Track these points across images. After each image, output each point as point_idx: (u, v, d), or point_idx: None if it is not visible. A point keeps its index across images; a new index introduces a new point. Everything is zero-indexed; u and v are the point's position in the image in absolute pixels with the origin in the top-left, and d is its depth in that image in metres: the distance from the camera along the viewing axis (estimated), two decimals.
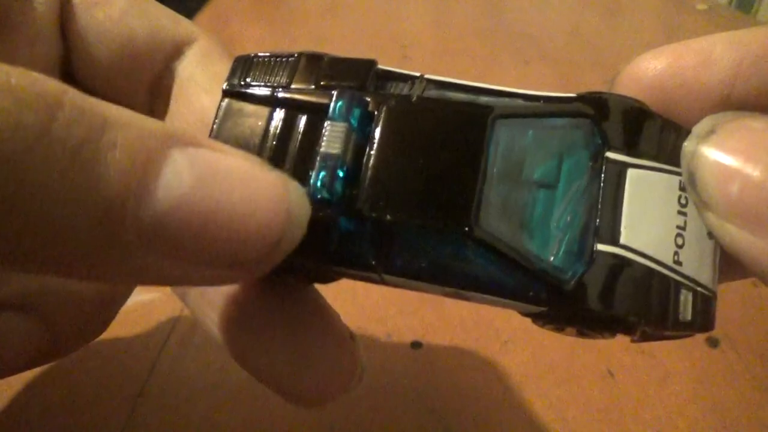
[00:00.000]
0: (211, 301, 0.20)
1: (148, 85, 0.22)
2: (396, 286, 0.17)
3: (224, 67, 0.19)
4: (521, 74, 0.66)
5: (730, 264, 0.15)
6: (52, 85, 0.11)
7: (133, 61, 0.22)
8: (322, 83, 0.17)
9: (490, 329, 0.34)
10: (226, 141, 0.17)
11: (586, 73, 0.66)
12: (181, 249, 0.12)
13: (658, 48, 0.16)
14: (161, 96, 0.22)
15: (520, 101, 0.17)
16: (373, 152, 0.16)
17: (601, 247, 0.15)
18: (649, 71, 0.16)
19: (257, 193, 0.12)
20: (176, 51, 0.22)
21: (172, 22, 0.22)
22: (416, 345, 0.34)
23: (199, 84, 0.21)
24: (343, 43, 0.73)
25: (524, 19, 0.82)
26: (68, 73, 0.22)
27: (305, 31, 0.76)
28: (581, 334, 0.17)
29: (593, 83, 0.63)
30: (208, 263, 0.12)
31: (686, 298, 0.15)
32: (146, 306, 0.34)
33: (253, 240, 0.12)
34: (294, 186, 0.14)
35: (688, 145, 0.15)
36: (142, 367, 0.32)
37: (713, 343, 0.34)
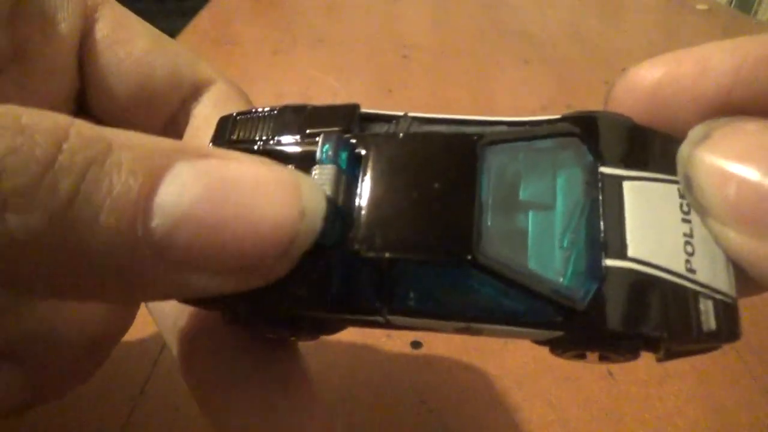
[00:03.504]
0: (190, 353, 0.19)
1: (163, 124, 0.23)
2: (403, 327, 0.16)
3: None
4: (521, 74, 0.66)
5: (744, 277, 0.15)
6: (60, 118, 0.11)
7: (150, 100, 0.22)
8: (307, 132, 0.17)
9: None
10: None
11: (586, 73, 0.66)
12: (197, 259, 0.12)
13: (654, 57, 0.16)
14: (175, 135, 0.22)
15: (504, 128, 0.16)
16: (364, 192, 0.15)
17: (610, 262, 0.14)
18: (646, 81, 0.16)
19: (268, 196, 0.12)
20: (194, 92, 0.22)
21: (191, 64, 0.22)
22: (416, 345, 0.34)
23: (213, 126, 0.21)
24: (343, 43, 0.73)
25: (524, 19, 0.82)
26: (83, 107, 0.22)
27: (305, 31, 0.76)
28: (604, 358, 0.16)
29: (593, 83, 0.63)
30: (227, 271, 0.12)
31: (707, 307, 0.14)
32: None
33: (268, 243, 0.12)
34: (306, 181, 0.14)
35: (683, 150, 0.15)
36: (142, 367, 0.32)
37: None
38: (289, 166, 0.14)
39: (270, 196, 0.12)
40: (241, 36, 0.75)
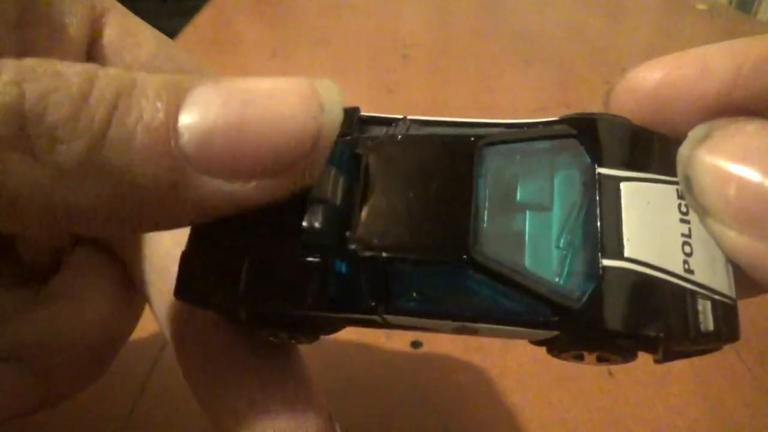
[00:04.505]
0: (190, 354, 0.19)
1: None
2: (401, 326, 0.16)
3: None
4: (521, 74, 0.66)
5: (745, 279, 0.15)
6: (89, 65, 0.13)
7: None
8: None
9: None
10: None
11: (586, 73, 0.66)
12: (230, 165, 0.13)
13: (654, 59, 0.16)
14: None
15: (502, 130, 0.16)
16: (362, 192, 0.15)
17: (607, 262, 0.14)
18: (646, 82, 0.16)
19: (286, 97, 0.13)
20: None
21: (197, 70, 0.23)
22: (416, 344, 0.34)
23: None
24: (343, 43, 0.73)
25: (524, 19, 0.82)
26: None
27: (305, 31, 0.76)
28: (602, 360, 0.16)
29: (593, 83, 0.63)
30: (261, 172, 0.13)
31: (705, 307, 0.14)
32: (146, 306, 0.34)
33: (295, 139, 0.13)
34: (320, 80, 0.14)
35: (683, 150, 0.15)
36: (142, 367, 0.32)
37: None
38: (302, 78, 0.14)
39: (288, 97, 0.13)
40: (241, 36, 0.75)
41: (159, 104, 0.13)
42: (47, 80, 0.12)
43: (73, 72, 0.13)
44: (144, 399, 0.30)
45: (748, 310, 0.15)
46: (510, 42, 0.74)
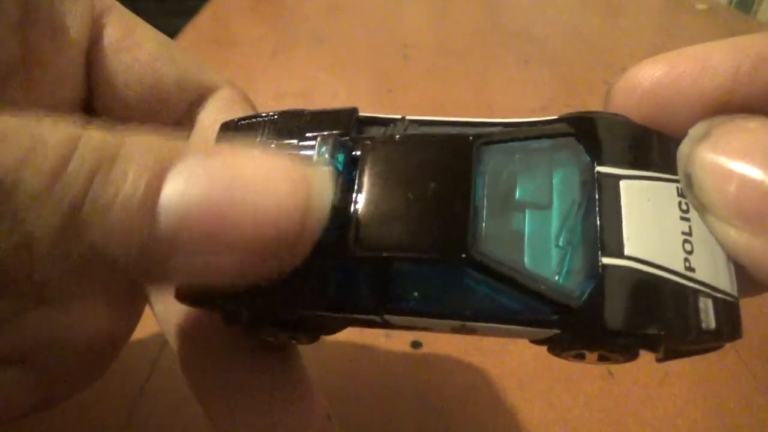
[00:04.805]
0: (191, 355, 0.19)
1: (169, 128, 0.23)
2: (400, 326, 0.16)
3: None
4: (521, 74, 0.66)
5: (746, 277, 0.15)
6: (71, 129, 0.12)
7: (156, 105, 0.22)
8: (306, 135, 0.17)
9: None
10: None
11: (586, 72, 0.66)
12: (208, 248, 0.12)
13: (655, 57, 0.16)
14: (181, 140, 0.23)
15: (501, 129, 0.16)
16: (360, 192, 0.15)
17: (606, 260, 0.14)
18: (646, 81, 0.16)
19: (275, 186, 0.13)
20: (200, 98, 0.23)
21: (197, 70, 0.23)
22: (416, 345, 0.34)
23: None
24: (343, 43, 0.73)
25: (524, 19, 0.82)
26: (90, 112, 0.22)
27: (305, 31, 0.76)
28: (603, 359, 0.16)
29: (593, 83, 0.63)
30: (239, 257, 0.13)
31: (706, 305, 0.14)
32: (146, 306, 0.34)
33: (276, 232, 0.13)
34: (316, 171, 0.14)
35: (683, 147, 0.15)
36: (142, 367, 0.32)
37: None
38: (298, 162, 0.14)
39: (277, 185, 0.13)
40: (241, 36, 0.75)
41: (139, 182, 0.12)
42: (22, 152, 0.12)
43: (55, 140, 0.12)
44: (143, 399, 0.30)
45: (749, 309, 0.15)
46: (510, 42, 0.74)
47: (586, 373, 0.32)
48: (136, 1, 0.29)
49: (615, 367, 0.32)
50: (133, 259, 0.12)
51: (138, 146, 0.13)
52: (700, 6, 0.85)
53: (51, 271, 0.12)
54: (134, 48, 0.22)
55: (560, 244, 0.15)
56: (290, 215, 0.13)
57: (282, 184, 0.13)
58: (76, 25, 0.20)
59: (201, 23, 0.77)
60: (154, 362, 0.32)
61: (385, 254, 0.14)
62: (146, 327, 0.24)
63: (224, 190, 0.12)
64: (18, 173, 0.12)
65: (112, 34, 0.21)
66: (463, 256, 0.14)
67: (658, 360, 0.16)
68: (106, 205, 0.12)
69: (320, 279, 0.15)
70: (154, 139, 0.13)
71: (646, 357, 0.16)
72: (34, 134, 0.12)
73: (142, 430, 0.29)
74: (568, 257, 0.15)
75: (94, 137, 0.12)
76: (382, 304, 0.15)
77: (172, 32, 0.68)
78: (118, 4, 0.22)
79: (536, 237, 0.15)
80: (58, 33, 0.20)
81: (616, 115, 0.16)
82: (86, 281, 0.13)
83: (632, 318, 0.14)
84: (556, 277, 0.14)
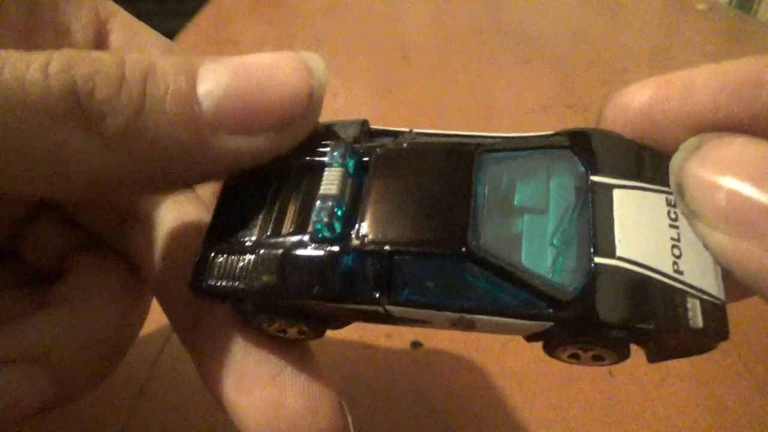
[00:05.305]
0: (205, 348, 0.20)
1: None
2: (402, 318, 0.17)
3: None
4: (521, 74, 0.66)
5: (733, 283, 0.15)
6: (116, 53, 0.16)
7: None
8: (321, 143, 0.18)
9: None
10: (231, 211, 0.18)
11: (586, 72, 0.66)
12: (243, 122, 0.16)
13: (642, 81, 0.17)
14: None
15: (501, 140, 0.18)
16: (368, 192, 0.17)
17: (599, 260, 0.15)
18: (635, 102, 0.17)
19: (280, 67, 0.17)
20: None
21: None
22: (416, 345, 0.34)
23: None
24: (343, 43, 0.73)
25: (524, 19, 0.82)
26: None
27: (305, 31, 0.76)
28: (597, 359, 0.17)
29: (593, 83, 0.63)
30: (267, 127, 0.16)
31: (694, 305, 0.15)
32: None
33: (291, 98, 0.16)
34: (307, 54, 0.17)
35: (675, 159, 0.16)
36: (142, 368, 0.32)
37: None
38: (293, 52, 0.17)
39: (282, 65, 0.17)
40: (241, 36, 0.75)
41: (180, 78, 0.16)
42: (90, 65, 0.15)
43: (107, 58, 0.15)
44: (143, 400, 0.30)
45: (749, 310, 0.15)
46: (510, 42, 0.74)
47: (586, 373, 0.32)
48: (137, 1, 0.29)
49: (615, 367, 0.32)
50: (186, 144, 0.15)
51: (166, 59, 0.16)
52: (700, 6, 0.85)
53: (122, 166, 0.15)
54: (138, 52, 0.22)
55: (555, 243, 0.16)
56: (300, 92, 0.16)
57: (288, 69, 0.16)
58: (80, 30, 0.21)
59: (201, 23, 0.77)
60: (153, 362, 0.32)
61: (388, 248, 0.16)
62: (146, 327, 0.24)
63: (245, 78, 0.16)
64: (90, 84, 0.15)
65: (116, 39, 0.22)
66: (463, 249, 0.15)
67: (649, 359, 0.16)
68: (161, 99, 0.15)
69: (327, 270, 0.16)
70: (176, 57, 0.16)
71: (645, 357, 0.17)
72: (91, 56, 0.15)
73: (142, 430, 0.29)
74: (562, 256, 0.16)
75: (132, 56, 0.16)
76: (385, 295, 0.16)
77: (172, 32, 0.68)
78: (122, 9, 0.23)
79: (533, 237, 0.16)
80: (63, 38, 0.21)
81: (610, 131, 0.17)
82: (148, 176, 0.16)
83: (623, 312, 0.15)
84: (551, 274, 0.15)
